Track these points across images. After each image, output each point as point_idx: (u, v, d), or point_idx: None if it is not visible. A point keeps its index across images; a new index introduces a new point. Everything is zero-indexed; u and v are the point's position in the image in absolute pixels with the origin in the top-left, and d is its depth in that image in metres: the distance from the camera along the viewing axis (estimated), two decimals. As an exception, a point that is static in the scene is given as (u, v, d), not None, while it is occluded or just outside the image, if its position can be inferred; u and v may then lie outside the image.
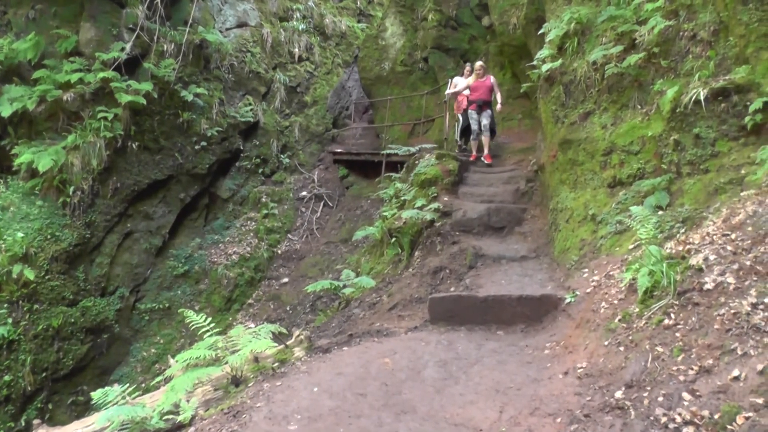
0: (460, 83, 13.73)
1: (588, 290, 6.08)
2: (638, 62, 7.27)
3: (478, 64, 12.88)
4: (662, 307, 4.41)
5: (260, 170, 17.23)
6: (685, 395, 3.55)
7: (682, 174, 6.49)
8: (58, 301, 12.32)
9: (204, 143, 15.40)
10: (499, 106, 12.78)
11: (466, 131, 13.47)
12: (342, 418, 4.36)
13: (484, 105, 12.59)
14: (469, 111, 12.76)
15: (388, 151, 14.34)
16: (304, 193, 17.48)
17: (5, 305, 11.52)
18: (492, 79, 12.82)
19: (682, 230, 5.46)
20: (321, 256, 15.40)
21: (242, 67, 16.96)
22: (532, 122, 13.83)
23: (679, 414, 3.44)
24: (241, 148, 16.71)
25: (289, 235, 16.59)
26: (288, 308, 14.25)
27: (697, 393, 3.51)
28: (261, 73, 17.53)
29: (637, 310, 4.70)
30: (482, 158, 12.50)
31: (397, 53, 18.21)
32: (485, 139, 12.60)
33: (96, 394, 5.77)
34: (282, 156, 17.76)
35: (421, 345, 6.04)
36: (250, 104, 16.93)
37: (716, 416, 3.25)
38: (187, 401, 5.37)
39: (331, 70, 20.33)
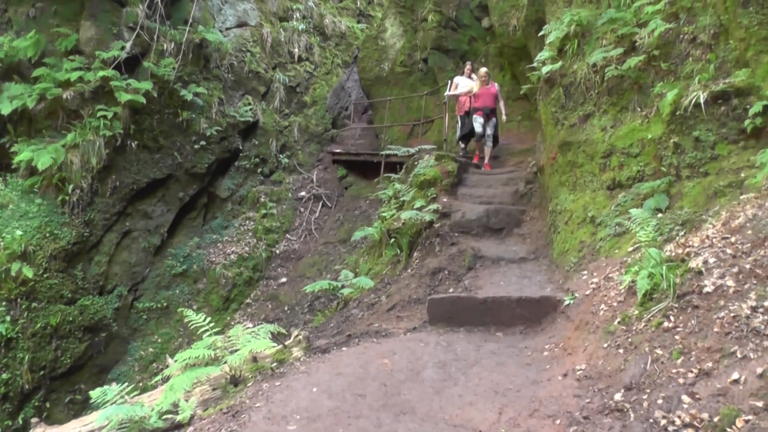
0: (461, 82, 13.74)
1: (587, 292, 6.08)
2: (638, 65, 7.28)
3: (483, 70, 12.89)
4: (662, 310, 4.42)
5: (259, 170, 17.21)
6: (685, 398, 3.55)
7: (682, 177, 6.50)
8: (56, 300, 12.31)
9: (203, 142, 15.40)
10: (504, 117, 12.82)
11: (467, 136, 13.43)
12: (341, 419, 4.36)
13: (491, 113, 12.60)
14: (475, 116, 12.73)
15: (387, 152, 14.34)
16: (302, 193, 17.47)
17: (3, 303, 11.51)
18: (496, 86, 12.87)
19: (682, 233, 5.46)
20: (319, 257, 15.40)
21: (242, 67, 16.96)
22: (531, 124, 13.84)
23: (679, 417, 3.44)
24: (240, 147, 16.71)
25: (287, 235, 16.58)
26: (286, 308, 14.24)
27: (697, 396, 3.52)
28: (260, 72, 17.52)
29: (637, 312, 4.70)
30: (482, 167, 12.49)
31: (397, 54, 18.21)
32: (487, 149, 12.63)
33: (95, 393, 5.77)
34: (281, 156, 17.75)
35: (420, 346, 6.05)
36: (249, 104, 16.93)
37: (716, 419, 3.26)
38: (186, 401, 5.36)
39: (331, 70, 20.32)
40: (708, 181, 6.13)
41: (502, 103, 12.75)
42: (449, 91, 14.18)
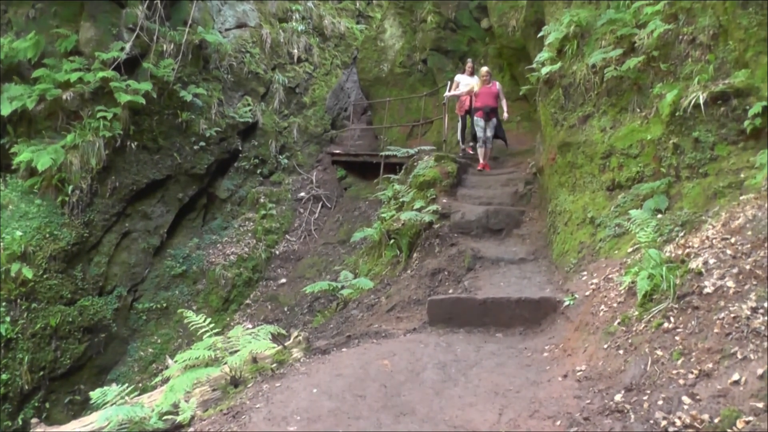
0: (462, 80, 13.71)
1: (587, 293, 6.08)
2: (638, 65, 7.29)
3: (484, 69, 12.81)
4: (662, 311, 4.42)
5: (258, 171, 17.21)
6: (685, 399, 3.55)
7: (681, 178, 6.50)
8: (56, 300, 12.30)
9: (203, 143, 15.39)
10: (505, 115, 12.75)
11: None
12: (341, 420, 4.36)
13: (491, 113, 12.49)
14: (476, 118, 12.64)
15: (387, 153, 14.35)
16: (302, 193, 17.47)
17: (3, 304, 11.50)
18: (498, 85, 12.75)
19: (682, 234, 5.47)
20: (319, 257, 15.39)
21: (241, 68, 16.96)
22: (530, 125, 13.84)
23: (679, 418, 3.44)
24: (240, 148, 16.70)
25: (287, 236, 16.58)
26: (285, 309, 14.24)
27: (697, 397, 3.52)
28: (260, 73, 17.52)
29: (637, 313, 4.70)
30: (479, 167, 12.46)
31: (396, 55, 18.21)
32: (487, 150, 12.59)
33: (95, 394, 5.76)
34: (280, 157, 17.75)
35: (420, 347, 6.05)
36: (248, 105, 16.93)
37: (716, 420, 3.26)
38: (186, 401, 5.35)
39: (330, 71, 20.33)
40: (707, 182, 6.13)
41: (504, 102, 12.65)
42: (449, 90, 14.15)
